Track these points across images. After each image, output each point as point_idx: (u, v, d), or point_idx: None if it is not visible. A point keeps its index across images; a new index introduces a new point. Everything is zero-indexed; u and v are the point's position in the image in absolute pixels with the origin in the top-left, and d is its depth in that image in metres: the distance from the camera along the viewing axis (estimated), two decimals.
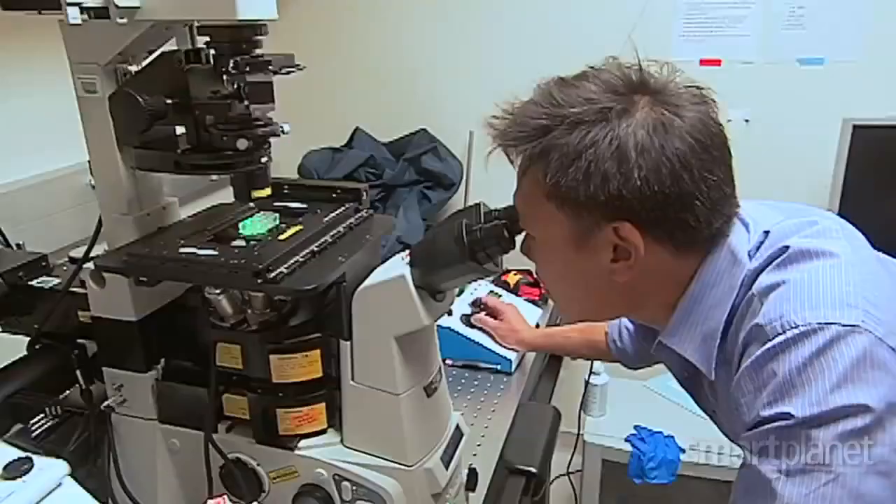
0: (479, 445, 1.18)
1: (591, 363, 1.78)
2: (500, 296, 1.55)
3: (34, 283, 1.05)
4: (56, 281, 1.05)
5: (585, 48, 1.94)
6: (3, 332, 1.06)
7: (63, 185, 1.43)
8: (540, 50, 1.99)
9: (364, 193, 1.03)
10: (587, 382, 1.91)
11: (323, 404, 0.92)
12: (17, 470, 0.68)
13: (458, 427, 1.01)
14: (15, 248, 1.28)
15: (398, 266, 0.85)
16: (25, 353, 1.04)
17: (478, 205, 0.84)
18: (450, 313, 0.96)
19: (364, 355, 0.88)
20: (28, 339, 1.04)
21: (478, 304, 1.45)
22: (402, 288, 0.83)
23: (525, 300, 1.61)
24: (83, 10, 0.77)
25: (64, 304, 1.00)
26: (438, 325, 1.36)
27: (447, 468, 0.94)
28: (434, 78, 2.12)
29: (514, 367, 1.40)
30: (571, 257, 0.75)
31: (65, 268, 1.08)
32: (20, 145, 1.36)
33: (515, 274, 1.69)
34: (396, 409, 0.88)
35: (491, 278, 1.68)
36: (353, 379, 0.89)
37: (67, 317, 1.01)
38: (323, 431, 0.93)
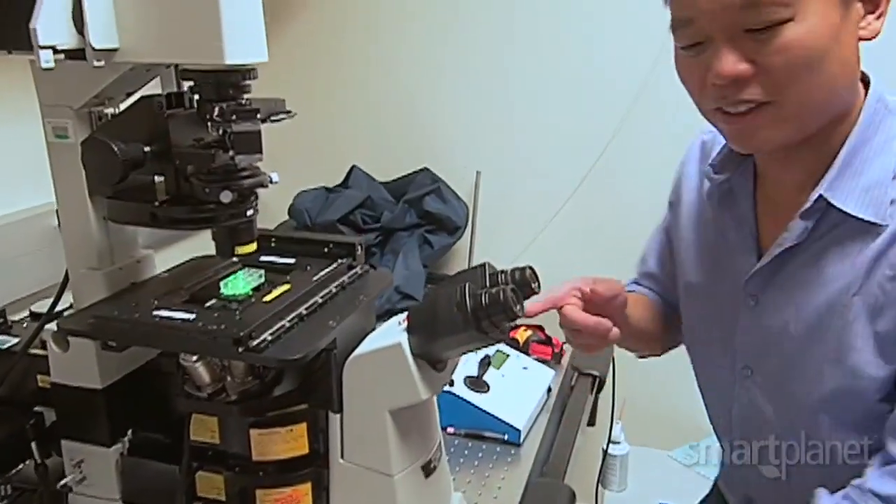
0: None
1: (610, 431, 1.75)
2: (508, 355, 1.53)
3: None
4: (14, 341, 1.04)
5: (599, 85, 1.99)
6: None
7: (27, 227, 1.42)
8: (551, 88, 2.01)
9: (359, 248, 1.02)
10: (605, 452, 1.87)
11: (309, 485, 0.90)
12: None
13: None
14: None
15: (394, 332, 0.84)
16: None
17: (483, 265, 0.84)
18: (451, 384, 0.94)
19: (355, 430, 0.87)
20: None
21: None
22: (399, 357, 0.82)
23: (535, 359, 1.58)
24: (56, 51, 0.78)
25: (21, 366, 0.99)
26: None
27: None
28: (438, 114, 2.15)
29: (522, 437, 1.37)
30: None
31: (24, 325, 1.08)
32: None
33: (525, 330, 1.67)
34: (391, 492, 0.86)
35: None
36: (342, 457, 0.88)
37: (24, 381, 1.00)
38: None
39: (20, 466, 1.03)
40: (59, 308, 0.98)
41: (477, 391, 1.40)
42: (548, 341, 1.65)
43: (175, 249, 1.38)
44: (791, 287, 0.87)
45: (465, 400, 1.38)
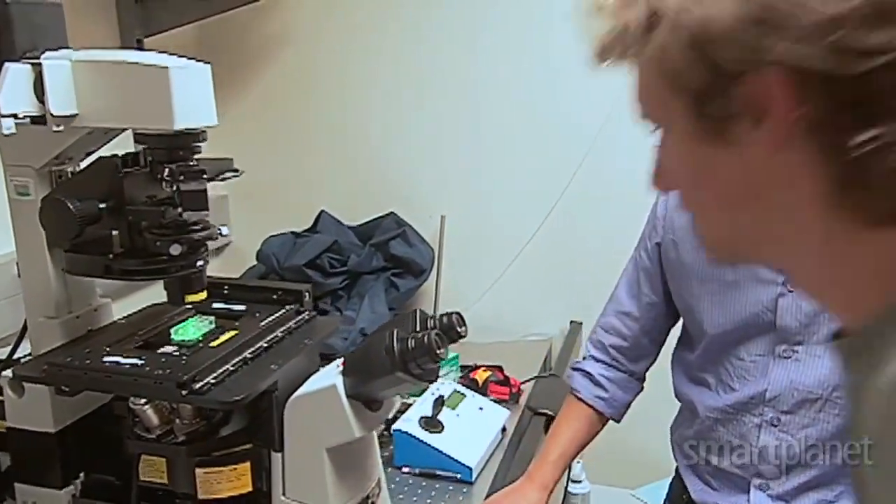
0: None
1: (569, 470, 1.80)
2: (464, 396, 1.59)
3: None
4: None
5: (561, 127, 2.09)
6: None
7: None
8: (515, 132, 2.11)
9: (306, 295, 1.10)
10: (566, 491, 1.91)
11: None
12: None
13: None
14: None
15: (331, 375, 0.91)
16: None
17: (414, 312, 0.91)
18: (387, 424, 1.00)
19: (296, 468, 0.93)
20: None
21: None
22: (333, 398, 0.89)
23: (493, 400, 1.64)
24: (17, 118, 0.86)
25: None
26: (395, 430, 1.42)
27: None
28: (404, 159, 2.22)
29: (475, 475, 1.42)
30: None
31: None
32: None
33: (484, 371, 1.73)
34: None
35: (456, 377, 1.73)
36: (284, 494, 0.94)
37: None
38: None
39: None
40: (18, 355, 1.04)
41: (431, 431, 1.45)
42: (505, 381, 1.71)
43: (134, 297, 1.44)
44: None
45: (418, 439, 1.43)
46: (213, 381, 0.87)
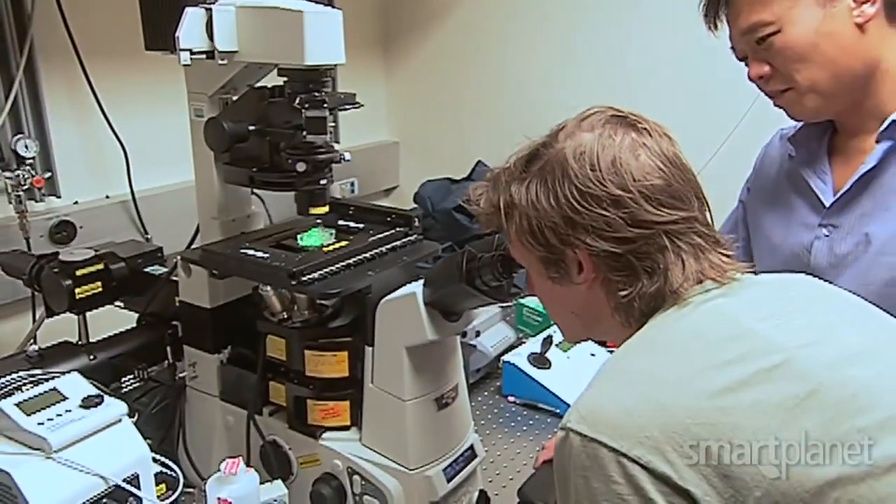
0: (511, 479, 1.32)
1: None
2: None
3: (149, 269, 1.40)
4: (165, 269, 1.39)
5: (718, 99, 2.00)
6: (122, 307, 1.42)
7: (186, 194, 1.81)
8: (674, 88, 2.07)
9: (416, 220, 1.25)
10: None
11: (347, 402, 1.13)
12: (90, 402, 0.99)
13: (472, 447, 1.17)
14: (145, 240, 1.69)
15: (417, 284, 1.05)
16: (134, 325, 1.39)
17: (494, 234, 1.01)
18: (463, 335, 1.11)
19: (382, 361, 1.09)
20: (138, 315, 1.39)
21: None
22: (412, 303, 1.03)
23: (608, 350, 1.69)
24: (193, 52, 1.09)
25: (166, 289, 1.33)
26: (505, 362, 1.54)
27: (449, 481, 1.11)
28: (560, 114, 2.26)
29: None
30: None
31: (175, 260, 1.43)
32: (166, 156, 1.77)
33: None
34: (402, 415, 1.07)
35: None
36: (372, 382, 1.10)
37: (168, 300, 1.34)
38: (346, 428, 1.15)
39: (165, 363, 1.36)
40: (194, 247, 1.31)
41: (538, 367, 1.56)
42: None
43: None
44: (873, 207, 1.03)
45: (525, 373, 1.55)
46: (317, 276, 1.05)
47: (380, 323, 1.08)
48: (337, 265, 1.10)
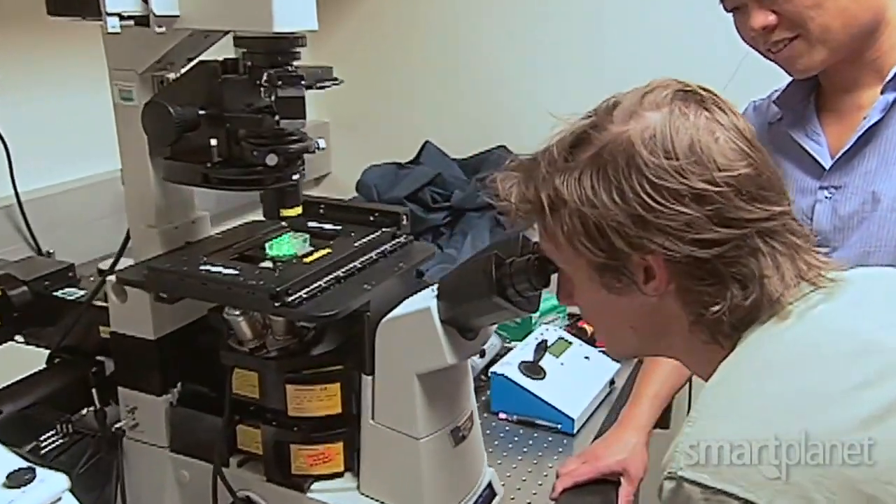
0: None
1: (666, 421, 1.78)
2: (570, 343, 1.61)
3: (59, 293, 1.23)
4: (82, 293, 1.22)
5: (696, 64, 1.99)
6: (24, 342, 1.24)
7: (101, 192, 1.63)
8: (642, 65, 2.04)
9: (404, 218, 1.15)
10: None
11: (341, 444, 1.03)
12: (19, 479, 0.83)
13: (490, 485, 1.09)
14: (45, 255, 1.50)
15: (426, 298, 0.95)
16: (45, 365, 1.22)
17: (518, 235, 0.93)
18: (481, 354, 1.04)
19: (386, 393, 0.99)
20: (48, 351, 1.22)
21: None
22: (427, 322, 0.93)
23: (601, 351, 1.65)
24: (122, 18, 0.93)
25: (87, 317, 1.17)
26: (493, 373, 1.47)
27: None
28: (519, 88, 2.22)
29: (576, 427, 1.44)
30: None
31: (92, 279, 1.26)
32: (60, 148, 1.57)
33: None
34: (416, 455, 0.98)
35: (563, 324, 1.74)
36: (373, 418, 1.00)
37: (89, 331, 1.18)
38: (340, 475, 1.04)
39: (84, 412, 1.20)
40: (121, 265, 1.14)
41: (532, 377, 1.48)
42: None
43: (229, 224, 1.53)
44: (879, 163, 1.06)
45: (518, 385, 1.47)
46: (305, 295, 0.94)
47: (382, 346, 0.98)
48: (325, 279, 0.98)
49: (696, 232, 0.68)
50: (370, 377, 0.99)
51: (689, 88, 0.75)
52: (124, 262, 1.14)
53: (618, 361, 1.60)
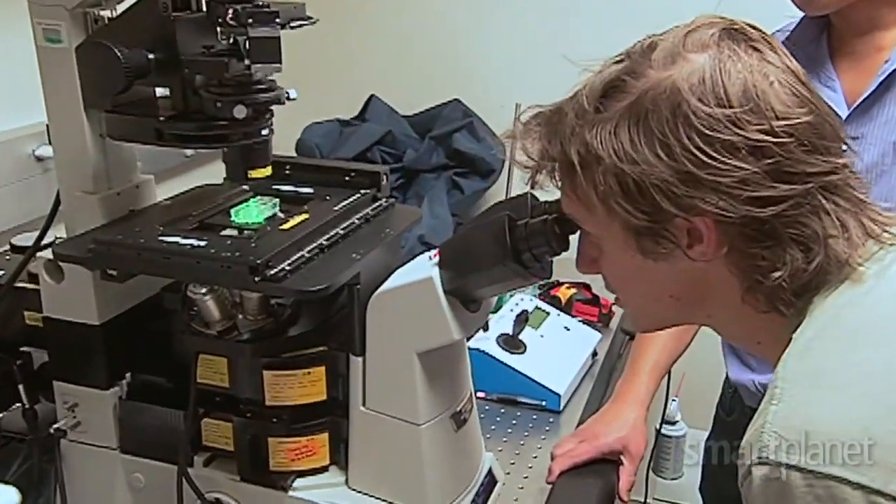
0: (515, 501, 1.22)
1: (664, 409, 1.81)
2: (548, 314, 1.59)
3: None
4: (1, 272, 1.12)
5: (667, 10, 1.99)
6: None
7: (4, 155, 1.50)
8: (613, 11, 2.03)
9: (384, 178, 1.10)
10: (658, 433, 1.93)
11: (326, 435, 0.99)
12: None
13: (490, 472, 1.07)
14: None
15: (425, 267, 0.91)
16: None
17: (526, 195, 0.89)
18: (485, 328, 1.01)
19: (379, 375, 0.95)
20: None
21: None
22: (429, 293, 0.89)
23: (579, 321, 1.64)
24: None
25: (6, 302, 1.07)
26: (472, 349, 1.43)
27: None
28: (474, 36, 2.17)
29: (562, 404, 1.43)
30: None
31: (7, 257, 1.16)
32: None
33: (568, 288, 1.72)
34: (417, 444, 0.94)
35: (536, 292, 1.72)
36: (364, 404, 0.96)
37: (9, 318, 1.09)
38: (324, 469, 1.00)
39: (6, 412, 1.11)
40: (48, 239, 1.05)
41: (512, 352, 1.46)
42: (594, 301, 1.70)
43: (170, 187, 1.45)
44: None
45: (498, 360, 1.44)
46: (288, 267, 0.88)
47: (374, 323, 0.93)
48: (307, 248, 0.92)
49: (752, 189, 0.66)
50: (360, 358, 0.95)
51: (736, 26, 0.72)
52: (50, 236, 1.05)
53: (627, 334, 1.61)
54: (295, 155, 2.10)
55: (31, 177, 1.49)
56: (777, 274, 0.68)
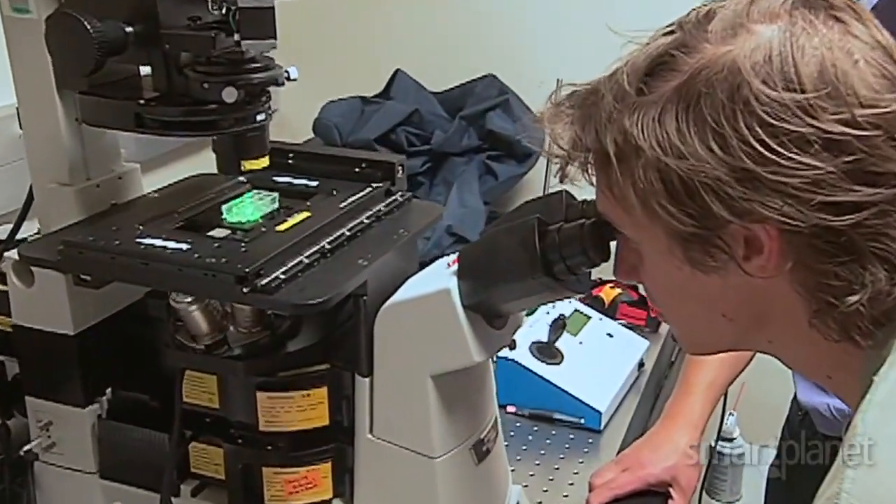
0: None
1: (721, 424, 1.74)
2: (589, 318, 1.54)
3: None
4: None
5: None
6: None
7: None
8: None
9: (399, 170, 1.06)
10: (713, 450, 1.86)
11: (328, 465, 0.95)
12: None
13: None
14: None
15: (441, 276, 0.87)
16: None
17: (559, 194, 0.84)
18: (512, 346, 0.96)
19: (389, 399, 0.91)
20: None
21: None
22: (446, 307, 0.84)
23: (624, 325, 1.59)
24: None
25: None
26: (501, 358, 1.38)
27: None
28: (509, 2, 2.14)
29: (604, 422, 1.38)
30: None
31: None
32: None
33: (612, 287, 1.66)
34: (431, 479, 0.90)
35: None
36: (371, 431, 0.92)
37: None
38: (327, 503, 0.96)
39: None
40: (21, 235, 1.03)
41: (547, 362, 1.41)
42: (642, 303, 1.64)
43: (166, 170, 1.41)
44: None
45: (531, 371, 1.39)
46: (282, 276, 0.84)
47: (383, 340, 0.89)
48: (306, 253, 0.88)
49: (826, 192, 0.58)
50: (366, 379, 0.91)
51: None
52: (24, 232, 1.04)
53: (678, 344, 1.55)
54: (313, 136, 2.09)
55: (18, 160, 1.47)
56: (854, 298, 0.61)
